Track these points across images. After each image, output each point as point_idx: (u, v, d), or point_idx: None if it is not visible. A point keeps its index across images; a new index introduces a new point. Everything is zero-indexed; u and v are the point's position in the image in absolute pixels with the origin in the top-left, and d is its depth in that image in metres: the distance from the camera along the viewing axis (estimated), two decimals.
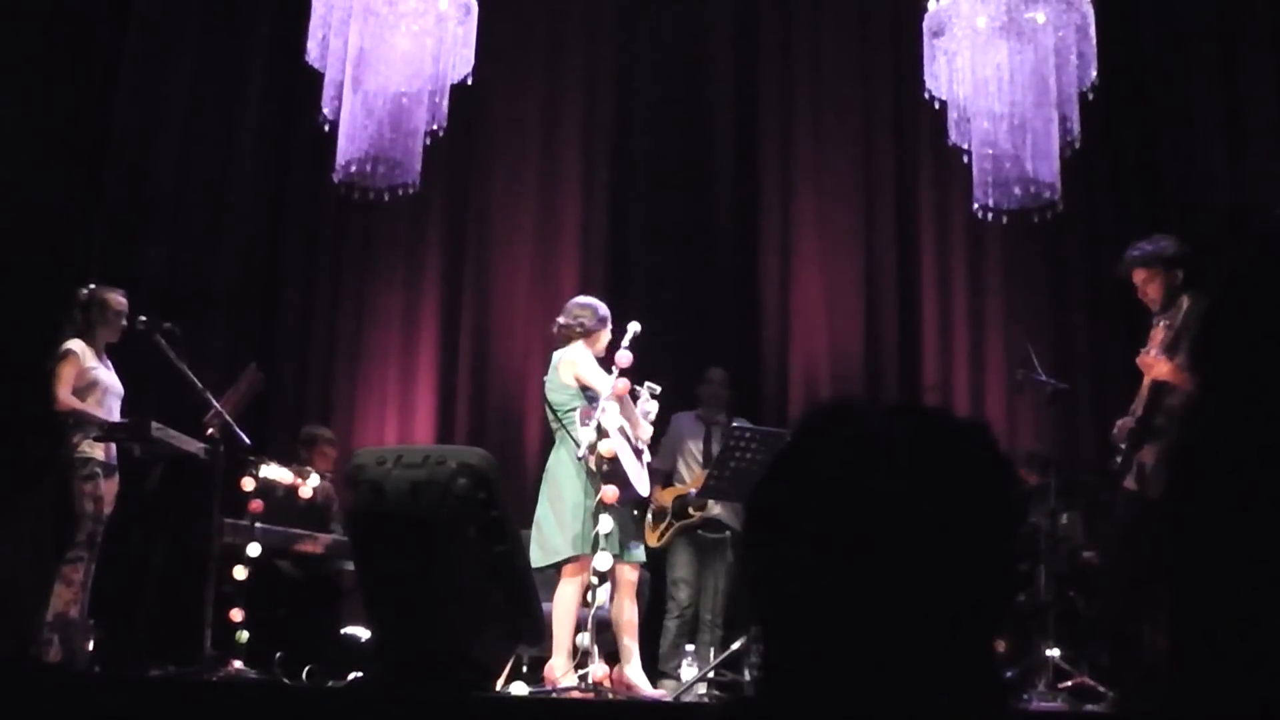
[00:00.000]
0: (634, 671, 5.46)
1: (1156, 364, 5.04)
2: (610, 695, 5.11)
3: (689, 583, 6.67)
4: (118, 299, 6.16)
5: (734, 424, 6.02)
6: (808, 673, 1.04)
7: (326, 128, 6.31)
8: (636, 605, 5.62)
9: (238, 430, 5.90)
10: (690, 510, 6.58)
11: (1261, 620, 0.92)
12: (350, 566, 6.10)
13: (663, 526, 6.64)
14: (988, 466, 1.07)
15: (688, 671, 6.06)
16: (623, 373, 5.48)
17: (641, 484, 5.58)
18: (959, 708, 1.03)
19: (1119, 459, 5.18)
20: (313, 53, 6.28)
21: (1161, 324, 5.15)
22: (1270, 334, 0.95)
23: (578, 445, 5.35)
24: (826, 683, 1.03)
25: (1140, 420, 5.10)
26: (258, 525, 6.07)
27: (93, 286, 6.20)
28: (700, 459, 6.74)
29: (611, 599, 5.47)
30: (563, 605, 5.33)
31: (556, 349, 5.74)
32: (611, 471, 5.34)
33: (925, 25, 6.29)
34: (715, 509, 6.56)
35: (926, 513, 1.02)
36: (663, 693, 5.73)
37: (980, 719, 1.04)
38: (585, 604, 5.33)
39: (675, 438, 6.88)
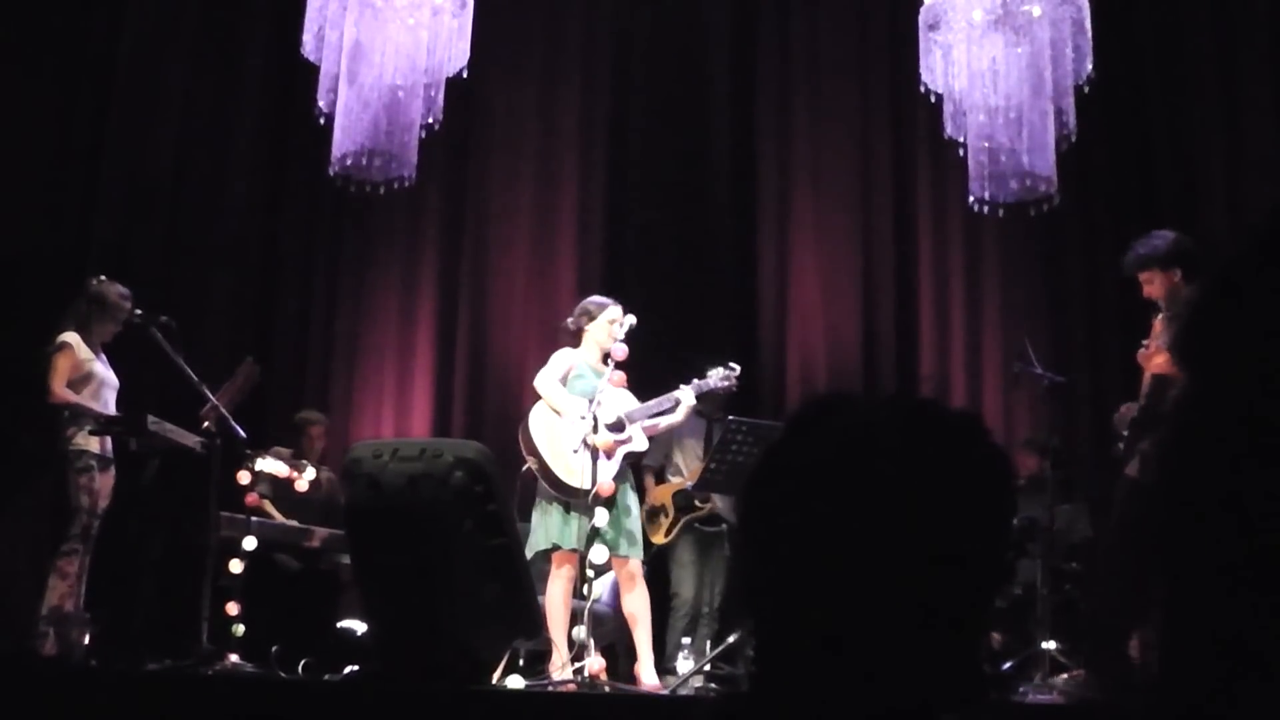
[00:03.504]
0: (642, 669, 5.49)
1: (1156, 356, 5.03)
2: (606, 688, 5.11)
3: (693, 579, 6.65)
4: (120, 298, 6.14)
5: (729, 417, 6.02)
6: (799, 666, 1.04)
7: (322, 121, 6.31)
8: (641, 599, 5.62)
9: (234, 424, 5.90)
10: (697, 503, 6.58)
11: (1253, 614, 0.92)
12: (347, 560, 6.10)
13: (668, 522, 6.63)
14: (980, 457, 1.07)
15: (684, 665, 6.07)
16: (618, 365, 5.52)
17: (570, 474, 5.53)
18: (948, 698, 1.03)
19: (1120, 445, 5.18)
20: (308, 46, 6.27)
21: (1162, 315, 5.14)
22: (1258, 328, 0.95)
23: None
24: (817, 675, 1.03)
25: (1143, 409, 5.09)
26: (254, 519, 6.07)
27: (102, 279, 6.19)
28: (701, 455, 6.71)
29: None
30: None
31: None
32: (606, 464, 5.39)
33: (921, 19, 6.30)
34: (715, 502, 6.56)
35: (917, 503, 1.02)
36: (657, 684, 5.73)
37: (969, 711, 1.04)
38: (583, 597, 5.35)
39: (670, 433, 6.85)
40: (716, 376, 5.97)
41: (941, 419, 1.09)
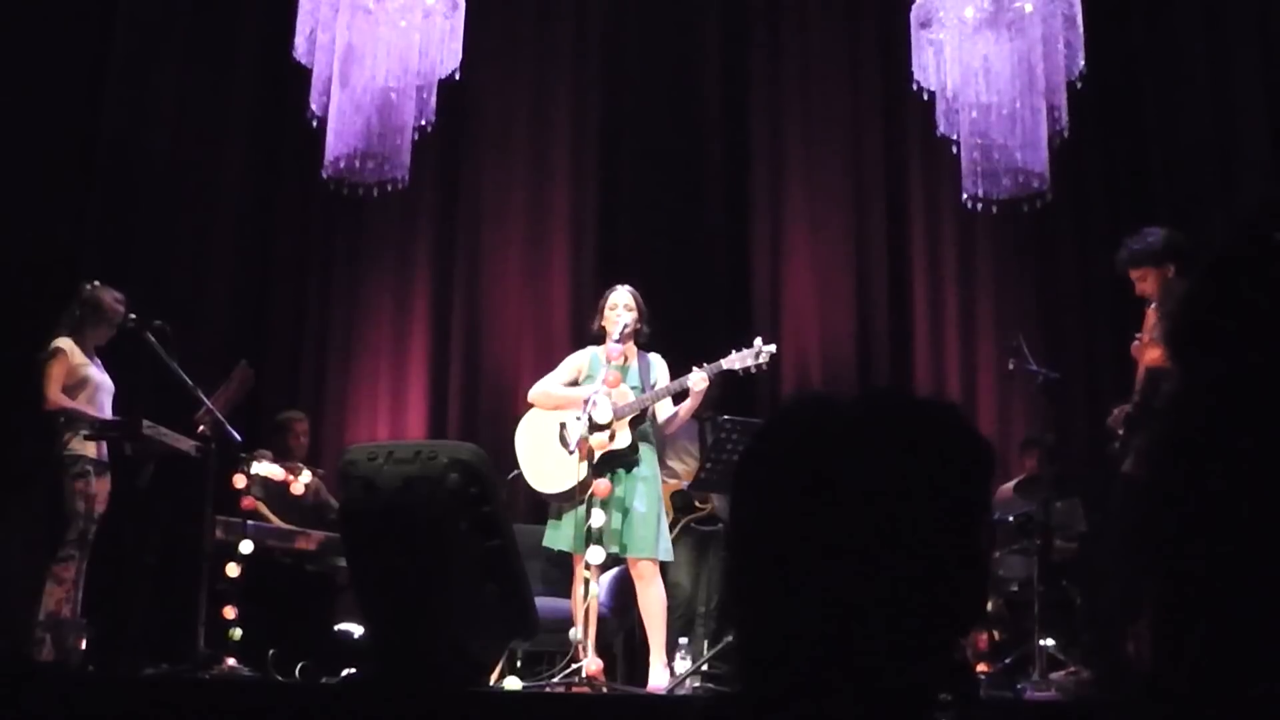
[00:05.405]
0: (651, 669, 5.50)
1: (1150, 349, 5.03)
2: (603, 689, 5.11)
3: (688, 579, 6.65)
4: (114, 303, 6.13)
5: (723, 417, 6.01)
6: (785, 665, 1.04)
7: (315, 123, 6.30)
8: (649, 599, 5.61)
9: (229, 428, 5.90)
10: (696, 503, 6.57)
11: (1246, 609, 0.92)
12: (343, 563, 6.09)
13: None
14: (958, 444, 1.07)
15: (681, 665, 6.06)
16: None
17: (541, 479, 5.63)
18: (939, 697, 1.03)
19: (1117, 444, 5.19)
20: (300, 48, 6.27)
21: (1155, 308, 5.15)
22: (1249, 321, 0.95)
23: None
24: (804, 675, 1.03)
25: (1137, 404, 5.10)
26: (250, 522, 6.07)
27: (96, 284, 6.19)
28: (697, 455, 6.71)
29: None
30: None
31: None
32: (603, 463, 5.39)
33: (913, 16, 6.31)
34: (714, 501, 6.55)
35: (895, 495, 1.02)
36: (661, 685, 5.73)
37: (962, 710, 1.04)
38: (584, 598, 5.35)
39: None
40: (739, 358, 5.66)
41: (916, 409, 1.09)
